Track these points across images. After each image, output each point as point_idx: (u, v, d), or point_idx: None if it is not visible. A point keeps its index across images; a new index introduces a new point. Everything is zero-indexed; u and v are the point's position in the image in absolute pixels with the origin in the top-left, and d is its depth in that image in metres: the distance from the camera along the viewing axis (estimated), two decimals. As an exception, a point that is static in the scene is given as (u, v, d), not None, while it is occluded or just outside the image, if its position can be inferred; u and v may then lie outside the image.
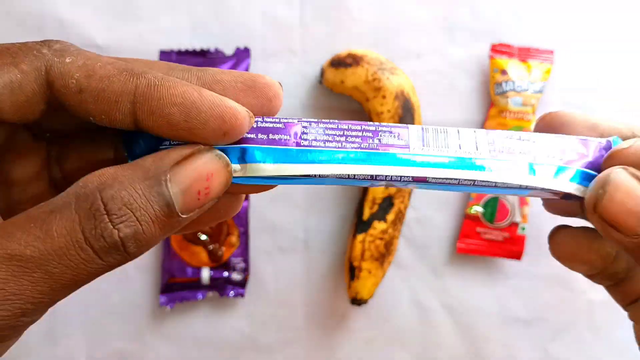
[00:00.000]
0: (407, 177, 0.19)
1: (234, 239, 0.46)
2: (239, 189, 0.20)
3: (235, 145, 0.19)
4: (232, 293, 0.46)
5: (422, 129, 0.20)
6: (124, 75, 0.17)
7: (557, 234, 0.22)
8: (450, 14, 0.46)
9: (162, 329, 0.47)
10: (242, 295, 0.46)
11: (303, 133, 0.19)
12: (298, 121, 0.20)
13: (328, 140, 0.19)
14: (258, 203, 0.47)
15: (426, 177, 0.19)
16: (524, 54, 0.46)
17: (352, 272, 0.44)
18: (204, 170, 0.17)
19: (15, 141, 0.19)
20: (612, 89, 0.47)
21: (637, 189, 0.18)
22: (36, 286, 0.15)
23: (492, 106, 0.46)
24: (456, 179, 0.19)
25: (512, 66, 0.45)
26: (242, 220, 0.46)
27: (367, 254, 0.44)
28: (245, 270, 0.46)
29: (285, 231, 0.47)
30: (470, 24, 0.47)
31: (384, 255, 0.44)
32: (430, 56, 0.47)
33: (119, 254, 0.16)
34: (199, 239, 0.45)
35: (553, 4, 0.47)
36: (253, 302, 0.47)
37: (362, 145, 0.19)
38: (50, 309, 0.46)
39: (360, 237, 0.44)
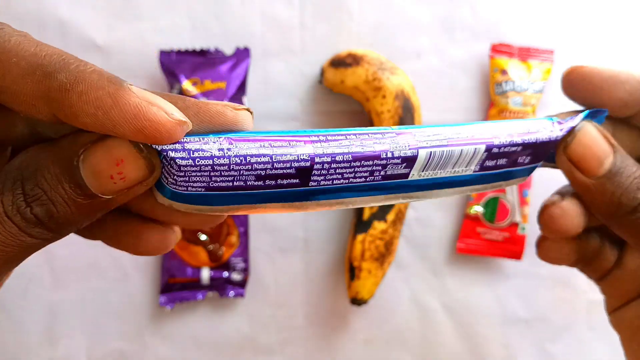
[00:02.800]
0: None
1: (234, 239, 0.46)
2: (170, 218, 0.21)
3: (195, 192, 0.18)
4: (232, 293, 0.46)
5: (430, 154, 0.20)
6: (37, 76, 0.16)
7: (543, 243, 0.26)
8: (450, 14, 0.46)
9: (162, 329, 0.47)
10: (242, 295, 0.46)
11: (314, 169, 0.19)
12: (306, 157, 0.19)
13: (336, 179, 0.20)
14: (258, 203, 0.47)
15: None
16: (524, 54, 0.46)
17: (352, 272, 0.44)
18: (114, 155, 0.17)
19: None
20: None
21: (601, 138, 0.22)
22: None
23: (492, 106, 0.46)
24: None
25: (512, 66, 0.45)
26: (242, 220, 0.46)
27: (367, 254, 0.44)
28: (245, 270, 0.46)
29: (285, 231, 0.47)
30: (470, 24, 0.47)
31: (384, 255, 0.44)
32: (430, 56, 0.47)
33: (41, 228, 0.17)
34: (199, 239, 0.45)
35: (553, 4, 0.47)
36: (253, 302, 0.47)
37: (367, 179, 0.20)
38: (50, 309, 0.46)
39: (360, 237, 0.44)
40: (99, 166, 0.17)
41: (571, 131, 0.22)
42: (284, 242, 0.47)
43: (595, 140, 0.22)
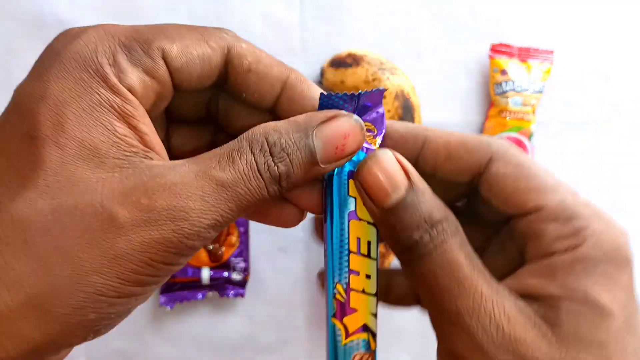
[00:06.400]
0: None
1: (234, 239, 0.46)
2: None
3: None
4: (232, 293, 0.46)
5: None
6: (282, 67, 0.22)
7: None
8: (450, 14, 0.46)
9: (162, 329, 0.47)
10: (242, 295, 0.46)
11: None
12: None
13: None
14: (258, 203, 0.47)
15: None
16: (524, 54, 0.46)
17: (352, 272, 0.44)
18: (343, 129, 0.21)
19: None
20: (612, 89, 0.47)
21: (396, 169, 0.21)
22: (227, 202, 0.19)
23: (492, 106, 0.46)
24: None
25: (512, 66, 0.45)
26: (242, 220, 0.46)
27: (367, 254, 0.44)
28: (245, 270, 0.46)
29: (285, 231, 0.47)
30: (470, 24, 0.47)
31: (384, 255, 0.44)
32: (430, 56, 0.47)
33: (276, 186, 0.20)
34: (199, 239, 0.45)
35: (553, 4, 0.47)
36: (253, 302, 0.47)
37: None
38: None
39: (360, 237, 0.44)
40: (332, 137, 0.20)
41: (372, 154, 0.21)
42: (284, 242, 0.47)
43: (387, 171, 0.21)
